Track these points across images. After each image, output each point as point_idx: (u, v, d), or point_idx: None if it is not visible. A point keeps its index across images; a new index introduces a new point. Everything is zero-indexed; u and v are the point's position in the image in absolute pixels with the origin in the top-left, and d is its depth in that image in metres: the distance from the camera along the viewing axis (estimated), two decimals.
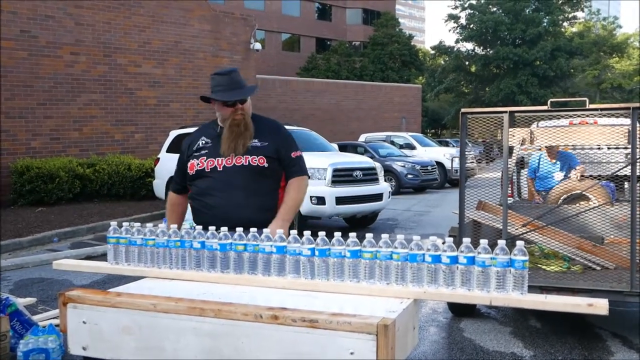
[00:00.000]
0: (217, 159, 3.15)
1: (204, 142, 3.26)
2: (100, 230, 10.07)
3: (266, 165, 3.15)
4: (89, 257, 7.93)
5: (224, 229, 2.58)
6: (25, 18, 14.12)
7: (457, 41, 50.52)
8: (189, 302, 2.24)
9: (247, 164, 3.13)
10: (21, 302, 4.73)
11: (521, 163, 7.36)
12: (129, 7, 16.27)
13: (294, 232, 2.48)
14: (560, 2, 48.95)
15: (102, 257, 2.90)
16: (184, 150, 3.35)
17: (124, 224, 2.79)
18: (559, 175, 7.05)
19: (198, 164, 3.19)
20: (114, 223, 2.80)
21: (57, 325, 4.08)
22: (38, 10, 14.35)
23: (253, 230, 2.55)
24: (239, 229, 2.55)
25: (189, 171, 3.24)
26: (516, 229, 4.92)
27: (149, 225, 2.74)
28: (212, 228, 2.61)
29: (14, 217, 10.78)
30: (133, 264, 2.74)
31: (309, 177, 3.43)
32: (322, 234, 2.41)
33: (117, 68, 16.07)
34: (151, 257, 2.69)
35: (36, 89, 14.37)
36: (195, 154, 3.23)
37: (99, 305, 2.35)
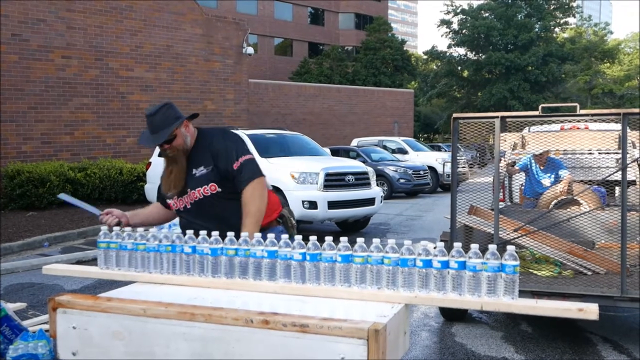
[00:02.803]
0: (180, 198, 3.17)
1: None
2: (91, 235, 10.03)
3: (220, 189, 3.08)
4: (79, 262, 7.89)
5: (215, 233, 2.58)
6: (17, 21, 14.07)
7: (449, 46, 50.69)
8: (179, 307, 2.23)
9: (201, 197, 3.09)
10: (11, 307, 4.69)
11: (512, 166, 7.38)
12: (120, 11, 16.25)
13: (298, 237, 2.46)
14: (552, 8, 49.23)
15: (93, 261, 2.89)
16: (159, 185, 3.37)
17: (114, 228, 2.78)
18: (546, 182, 7.09)
19: (174, 204, 3.23)
20: (104, 227, 2.78)
21: (47, 331, 4.06)
22: (29, 14, 14.31)
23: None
24: (230, 234, 2.54)
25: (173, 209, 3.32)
26: (508, 234, 4.93)
27: (140, 229, 2.73)
28: (203, 232, 2.60)
29: (4, 222, 10.72)
30: (124, 268, 2.72)
31: (264, 176, 3.17)
32: (313, 238, 2.41)
33: (108, 72, 16.04)
34: (142, 261, 2.68)
35: (27, 92, 14.31)
36: (166, 194, 3.26)
37: (89, 310, 2.33)
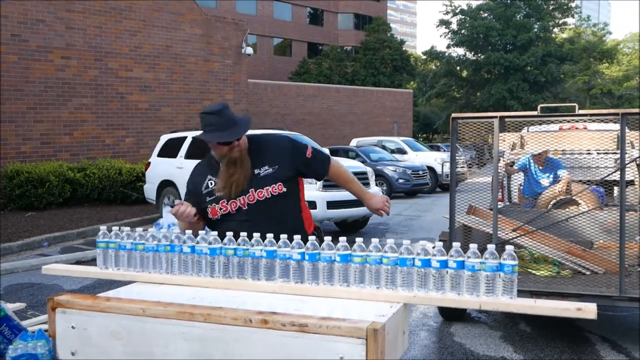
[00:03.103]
0: (238, 199, 3.02)
1: (212, 182, 3.10)
2: (91, 235, 10.03)
3: (285, 189, 3.06)
4: (79, 262, 7.89)
5: (214, 233, 2.58)
6: (16, 22, 14.08)
7: (448, 46, 50.71)
8: (178, 307, 2.23)
9: (269, 195, 3.03)
10: (10, 307, 4.70)
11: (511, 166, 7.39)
12: (120, 12, 16.25)
13: (297, 236, 2.46)
14: (550, 8, 49.25)
15: (92, 261, 2.88)
16: (192, 191, 3.18)
17: (113, 228, 2.78)
18: (545, 182, 7.10)
19: (221, 208, 3.04)
20: (103, 227, 2.78)
21: (46, 331, 4.06)
22: (29, 14, 14.31)
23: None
24: (229, 234, 2.54)
25: (211, 216, 3.08)
26: (506, 234, 4.94)
27: (139, 229, 2.73)
28: (202, 232, 2.61)
29: (4, 222, 10.72)
30: (123, 268, 2.72)
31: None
32: (312, 238, 2.41)
33: (108, 72, 16.05)
34: (141, 261, 2.68)
35: (26, 93, 14.32)
36: (211, 197, 3.07)
37: (88, 310, 2.34)
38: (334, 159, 3.38)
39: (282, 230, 2.55)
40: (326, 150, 12.39)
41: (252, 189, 3.01)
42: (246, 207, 3.02)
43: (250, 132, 3.14)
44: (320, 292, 2.39)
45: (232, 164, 3.02)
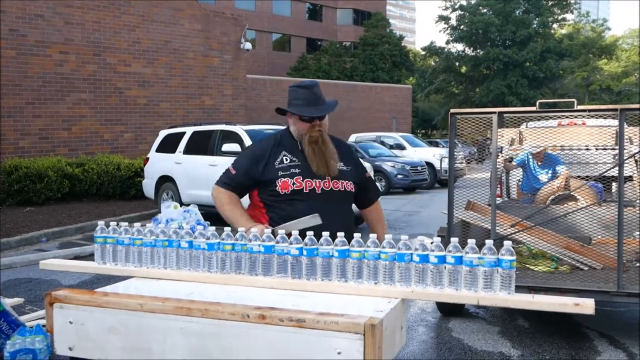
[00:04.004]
0: (314, 180, 2.93)
1: (288, 158, 2.98)
2: (89, 230, 10.02)
3: (354, 190, 3.06)
4: (77, 257, 7.89)
5: (212, 228, 2.58)
6: (14, 17, 14.05)
7: (447, 42, 50.67)
8: (175, 302, 2.23)
9: (343, 189, 2.99)
10: (8, 302, 4.70)
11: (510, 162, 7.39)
12: (118, 7, 16.22)
13: (295, 232, 2.46)
14: (550, 4, 49.20)
15: (91, 257, 2.87)
16: (257, 160, 3.00)
17: (111, 223, 2.78)
18: (544, 177, 7.09)
19: (294, 183, 2.91)
20: (101, 222, 2.78)
21: (44, 326, 4.06)
22: (27, 9, 14.28)
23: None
24: (227, 229, 2.54)
25: (280, 189, 2.91)
26: (504, 229, 4.94)
27: (137, 224, 2.73)
28: (199, 228, 2.61)
29: (2, 217, 10.71)
30: (120, 263, 2.72)
31: None
32: (310, 233, 2.41)
33: (106, 67, 16.03)
34: (138, 256, 2.68)
35: (25, 88, 14.30)
36: (285, 172, 2.94)
37: (86, 305, 2.33)
38: (379, 203, 3.38)
39: (345, 223, 2.58)
40: None
41: (328, 177, 2.96)
42: (320, 192, 2.93)
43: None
44: (318, 288, 2.38)
45: (314, 142, 2.95)
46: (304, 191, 2.91)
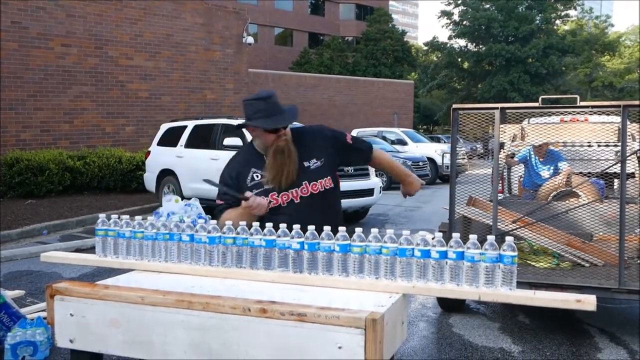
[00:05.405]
0: (290, 191, 2.93)
1: (258, 175, 2.96)
2: (90, 223, 10.03)
3: (332, 185, 3.03)
4: (78, 250, 7.89)
5: (213, 221, 2.58)
6: (16, 9, 14.02)
7: (449, 37, 50.51)
8: (176, 295, 2.23)
9: (322, 189, 2.97)
10: (9, 294, 4.71)
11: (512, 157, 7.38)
12: None
13: (297, 226, 2.45)
14: (553, 0, 49.06)
15: (92, 249, 2.87)
16: (230, 184, 3.00)
17: (112, 216, 2.77)
18: (545, 174, 7.08)
19: (271, 201, 2.91)
20: (102, 215, 2.77)
21: (45, 318, 4.07)
22: (29, 2, 14.26)
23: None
24: (228, 223, 2.54)
25: None
26: (506, 225, 4.93)
27: (138, 218, 2.73)
28: (200, 221, 2.60)
29: (3, 210, 10.72)
30: (121, 256, 2.72)
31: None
32: (311, 227, 2.41)
33: (108, 60, 16.01)
34: (140, 249, 2.68)
35: (26, 80, 14.29)
36: (259, 189, 2.93)
37: (86, 297, 2.34)
38: (376, 149, 3.36)
39: (335, 223, 2.50)
40: None
41: (306, 182, 2.94)
42: (299, 200, 2.94)
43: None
44: (319, 282, 2.38)
45: (280, 153, 2.91)
46: (282, 205, 2.92)
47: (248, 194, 2.86)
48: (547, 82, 47.09)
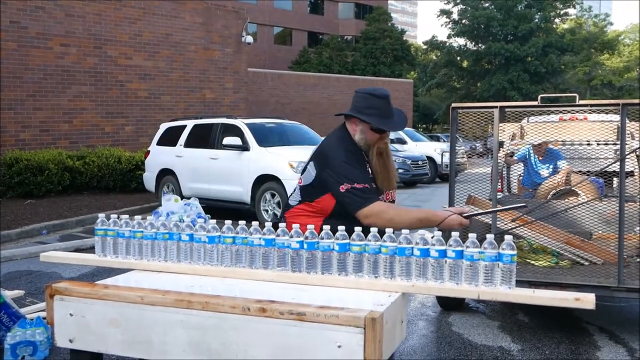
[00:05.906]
0: (389, 192, 2.91)
1: (369, 170, 2.87)
2: (90, 223, 10.02)
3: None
4: (77, 250, 7.89)
5: (213, 221, 2.58)
6: (15, 9, 14.01)
7: (449, 36, 50.51)
8: (176, 295, 2.23)
9: (392, 200, 2.94)
10: (9, 294, 4.71)
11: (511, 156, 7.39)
12: None
13: (296, 225, 2.46)
14: None
15: (91, 249, 2.87)
16: (360, 171, 2.80)
17: (112, 216, 2.77)
18: (545, 172, 7.09)
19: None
20: (102, 215, 2.77)
21: (44, 318, 4.06)
22: (28, 1, 14.25)
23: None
24: (228, 222, 2.54)
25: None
26: (505, 224, 4.93)
27: (138, 217, 2.73)
28: (200, 221, 2.60)
29: (3, 210, 10.71)
30: (121, 256, 2.72)
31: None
32: (310, 227, 2.41)
33: (107, 60, 16.00)
34: (139, 249, 2.68)
35: (26, 80, 14.28)
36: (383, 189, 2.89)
37: (86, 297, 2.34)
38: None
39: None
40: None
41: (388, 191, 2.93)
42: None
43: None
44: (318, 281, 2.39)
45: (380, 155, 2.86)
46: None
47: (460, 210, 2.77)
48: (546, 81, 47.11)
